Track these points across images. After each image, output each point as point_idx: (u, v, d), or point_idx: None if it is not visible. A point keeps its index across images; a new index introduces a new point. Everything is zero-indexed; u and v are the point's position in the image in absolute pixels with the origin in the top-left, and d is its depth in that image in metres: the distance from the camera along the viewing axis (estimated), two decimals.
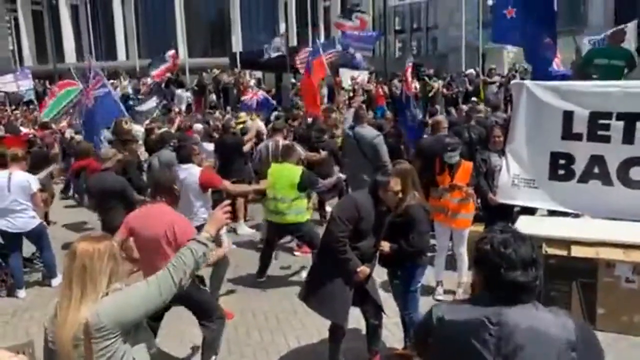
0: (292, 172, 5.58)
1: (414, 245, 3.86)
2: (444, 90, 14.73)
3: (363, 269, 3.75)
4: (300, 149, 6.74)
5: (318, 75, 10.47)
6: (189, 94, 17.72)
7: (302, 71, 14.79)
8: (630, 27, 10.34)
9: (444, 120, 7.07)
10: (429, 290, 5.28)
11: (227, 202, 2.50)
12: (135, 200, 5.68)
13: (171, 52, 17.56)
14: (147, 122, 10.52)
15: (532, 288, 1.73)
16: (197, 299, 3.82)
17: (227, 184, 5.51)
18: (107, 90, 7.91)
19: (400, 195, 3.77)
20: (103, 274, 2.10)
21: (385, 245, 3.91)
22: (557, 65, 7.41)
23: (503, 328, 1.70)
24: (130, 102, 15.32)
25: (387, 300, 4.47)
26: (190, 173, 5.27)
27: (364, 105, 13.68)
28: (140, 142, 8.67)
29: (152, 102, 11.79)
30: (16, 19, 41.79)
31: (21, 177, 5.71)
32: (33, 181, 5.80)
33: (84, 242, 2.18)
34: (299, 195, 5.56)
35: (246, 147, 8.03)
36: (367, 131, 7.17)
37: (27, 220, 5.74)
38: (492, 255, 1.75)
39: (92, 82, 7.92)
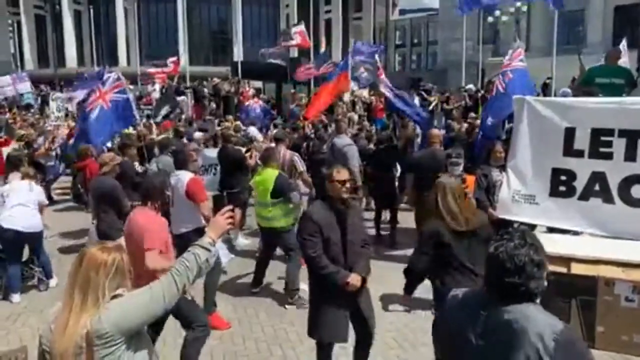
0: (268, 176, 5.63)
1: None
2: (445, 105, 14.77)
3: (354, 277, 3.49)
4: (299, 163, 6.79)
5: (342, 87, 10.62)
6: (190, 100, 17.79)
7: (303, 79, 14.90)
8: (623, 45, 10.48)
9: (438, 134, 7.08)
10: (430, 304, 5.25)
11: (229, 207, 2.47)
12: (123, 206, 5.69)
13: (173, 58, 17.93)
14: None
15: (516, 292, 1.79)
16: (180, 306, 3.79)
17: (205, 206, 5.04)
18: (127, 97, 7.88)
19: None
20: (107, 289, 2.04)
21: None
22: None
23: (491, 317, 1.81)
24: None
25: (387, 316, 4.45)
26: (180, 180, 5.10)
27: (356, 117, 13.80)
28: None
29: (164, 111, 12.08)
30: (19, 23, 41.91)
31: (37, 189, 6.22)
32: (42, 196, 6.25)
33: (93, 250, 2.12)
34: (275, 201, 5.54)
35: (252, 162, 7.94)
36: (341, 140, 7.42)
37: (38, 222, 5.98)
38: (487, 257, 1.89)
39: (110, 85, 7.87)
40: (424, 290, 4.34)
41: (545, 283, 1.83)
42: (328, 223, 3.55)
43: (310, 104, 11.27)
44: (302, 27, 16.44)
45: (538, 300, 1.83)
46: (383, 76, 9.75)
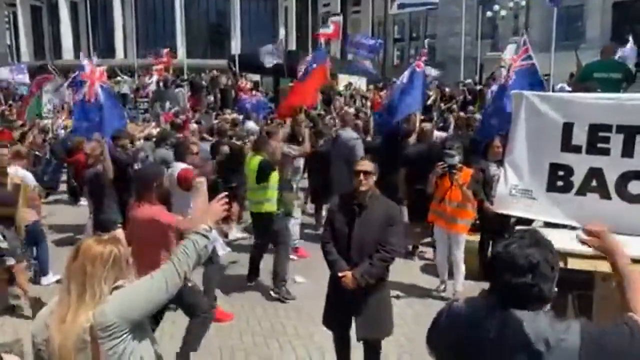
0: (254, 161, 5.69)
1: None
2: (442, 105, 14.77)
3: (346, 274, 3.42)
4: (286, 147, 6.75)
5: (318, 81, 10.15)
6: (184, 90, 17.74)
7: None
8: (628, 47, 10.48)
9: (430, 129, 7.06)
10: (436, 291, 5.34)
11: (224, 194, 2.45)
12: (106, 205, 5.67)
13: (166, 50, 18.01)
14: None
15: (528, 294, 1.67)
16: (182, 294, 3.79)
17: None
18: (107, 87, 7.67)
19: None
20: (104, 281, 1.99)
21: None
22: None
23: (502, 329, 1.68)
24: (128, 106, 15.42)
25: None
26: (174, 170, 5.15)
27: (351, 111, 13.71)
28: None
29: (173, 110, 12.35)
30: (14, 14, 41.60)
31: (17, 173, 5.58)
32: (29, 179, 5.75)
33: (89, 242, 2.08)
34: (265, 184, 5.56)
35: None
36: (347, 133, 7.36)
37: None
38: (495, 257, 1.76)
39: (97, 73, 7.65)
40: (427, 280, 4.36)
41: (555, 288, 1.72)
42: (338, 213, 3.57)
43: (289, 99, 10.14)
44: (340, 19, 16.37)
45: (548, 306, 1.72)
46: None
